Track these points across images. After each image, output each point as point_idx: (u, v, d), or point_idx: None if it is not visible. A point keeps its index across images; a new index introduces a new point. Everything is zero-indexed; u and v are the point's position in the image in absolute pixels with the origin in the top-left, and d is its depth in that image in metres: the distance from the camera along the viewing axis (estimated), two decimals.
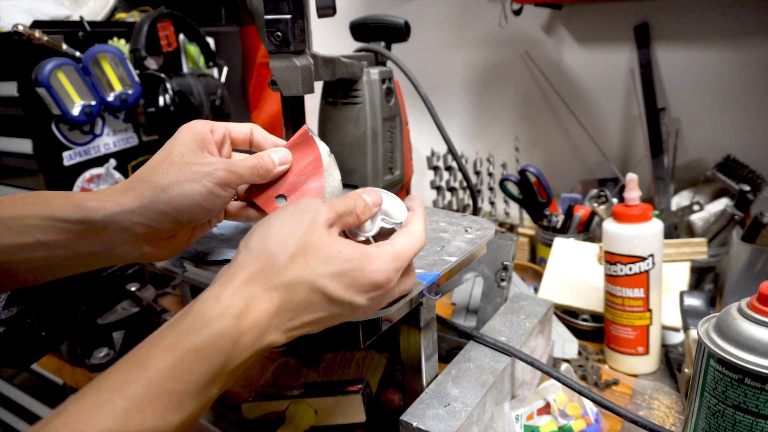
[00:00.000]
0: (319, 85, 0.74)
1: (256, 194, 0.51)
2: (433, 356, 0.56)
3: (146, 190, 0.42)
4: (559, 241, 0.91)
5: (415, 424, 0.48)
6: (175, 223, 0.44)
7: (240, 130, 0.52)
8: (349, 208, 0.42)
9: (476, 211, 0.89)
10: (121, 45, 1.00)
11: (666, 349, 0.76)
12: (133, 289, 0.87)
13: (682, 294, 0.73)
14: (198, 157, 0.44)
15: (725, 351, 0.40)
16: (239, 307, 0.35)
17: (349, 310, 0.40)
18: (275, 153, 0.50)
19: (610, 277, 0.71)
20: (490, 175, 1.20)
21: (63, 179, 0.92)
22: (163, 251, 0.47)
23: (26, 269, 0.42)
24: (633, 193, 0.68)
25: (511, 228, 1.15)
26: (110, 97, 0.94)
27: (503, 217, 1.18)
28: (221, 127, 0.50)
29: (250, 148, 0.54)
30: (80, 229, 0.41)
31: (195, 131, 0.47)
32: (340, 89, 0.78)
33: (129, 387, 0.31)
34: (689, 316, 0.69)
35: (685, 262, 0.82)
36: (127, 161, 1.01)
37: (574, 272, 0.85)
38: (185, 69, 1.11)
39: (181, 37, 1.09)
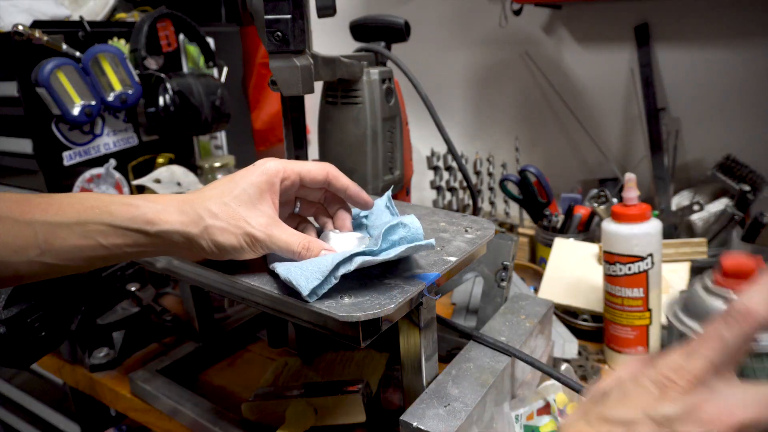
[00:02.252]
0: (319, 85, 0.74)
1: None
2: (433, 356, 0.56)
3: (194, 219, 0.46)
4: (559, 241, 0.91)
5: (415, 424, 0.48)
6: (206, 255, 0.48)
7: (315, 175, 0.52)
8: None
9: (476, 211, 0.89)
10: (121, 45, 1.00)
11: (666, 349, 0.76)
12: (133, 289, 0.87)
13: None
14: (251, 208, 0.47)
15: (690, 328, 0.39)
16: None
17: None
18: (331, 239, 0.53)
19: (609, 277, 0.71)
20: (490, 175, 1.20)
21: (63, 179, 0.92)
22: (201, 259, 0.51)
23: (87, 265, 0.47)
24: (631, 193, 0.69)
25: (511, 228, 1.15)
26: (110, 97, 0.94)
27: (503, 217, 1.18)
28: (294, 172, 0.51)
29: (328, 190, 0.55)
30: (136, 236, 0.46)
31: (264, 176, 0.49)
32: (340, 89, 0.78)
33: None
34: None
35: (685, 262, 0.82)
36: (127, 161, 1.01)
37: (574, 272, 0.85)
38: (185, 69, 1.11)
39: (181, 37, 1.09)
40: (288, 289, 0.47)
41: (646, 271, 0.68)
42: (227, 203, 0.47)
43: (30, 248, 0.44)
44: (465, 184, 1.17)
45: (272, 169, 0.49)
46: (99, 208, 0.45)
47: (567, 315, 0.83)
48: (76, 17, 0.97)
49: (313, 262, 0.47)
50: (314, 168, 0.53)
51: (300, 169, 0.51)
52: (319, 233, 0.57)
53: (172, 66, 1.07)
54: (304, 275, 0.45)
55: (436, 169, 1.16)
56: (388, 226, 0.48)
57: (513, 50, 1.21)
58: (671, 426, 0.27)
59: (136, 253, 0.47)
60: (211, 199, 0.47)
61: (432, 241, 0.48)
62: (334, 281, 0.46)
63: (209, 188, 0.49)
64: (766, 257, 0.77)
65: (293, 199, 0.55)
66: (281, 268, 0.47)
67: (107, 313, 0.85)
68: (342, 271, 0.46)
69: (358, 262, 0.46)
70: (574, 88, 1.16)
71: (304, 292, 0.44)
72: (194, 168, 1.10)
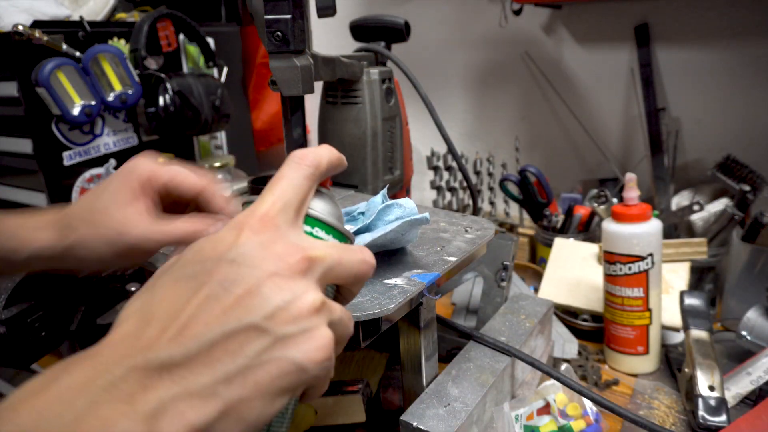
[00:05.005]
0: (319, 85, 0.74)
1: None
2: (433, 356, 0.56)
3: (62, 234, 0.42)
4: (559, 241, 0.91)
5: (415, 424, 0.48)
6: (82, 269, 0.45)
7: (190, 184, 0.44)
8: None
9: (476, 211, 0.89)
10: (121, 45, 1.00)
11: (666, 349, 0.76)
12: (133, 289, 0.87)
13: (682, 294, 0.73)
14: (121, 209, 0.42)
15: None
16: None
17: None
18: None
19: (609, 277, 0.71)
20: (490, 175, 1.20)
21: (63, 179, 0.92)
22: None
23: None
24: (632, 193, 0.69)
25: (511, 228, 1.15)
26: (110, 97, 0.94)
27: (503, 217, 1.18)
28: (165, 174, 0.44)
29: (198, 201, 0.47)
30: (5, 265, 0.43)
31: (132, 176, 0.43)
32: (340, 89, 0.78)
33: None
34: (689, 316, 0.69)
35: (685, 262, 0.82)
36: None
37: (574, 272, 0.85)
38: (185, 69, 1.11)
39: (181, 37, 1.09)
40: None
41: (646, 271, 0.68)
42: (95, 209, 0.42)
43: None
44: (465, 184, 1.17)
45: (139, 166, 0.44)
46: None
47: (567, 315, 0.83)
48: (76, 17, 0.97)
49: None
50: (192, 176, 0.44)
51: (174, 172, 0.44)
52: None
53: (172, 66, 1.07)
54: None
55: (436, 169, 1.16)
56: (383, 206, 0.49)
57: (513, 50, 1.21)
58: (245, 261, 0.26)
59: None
60: (80, 208, 0.43)
61: (426, 215, 0.49)
62: None
63: (81, 199, 0.45)
64: (766, 257, 0.77)
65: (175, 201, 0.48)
66: None
67: (107, 313, 0.85)
68: None
69: (357, 243, 0.46)
70: (574, 88, 1.16)
71: None
72: None
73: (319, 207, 0.34)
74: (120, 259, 0.42)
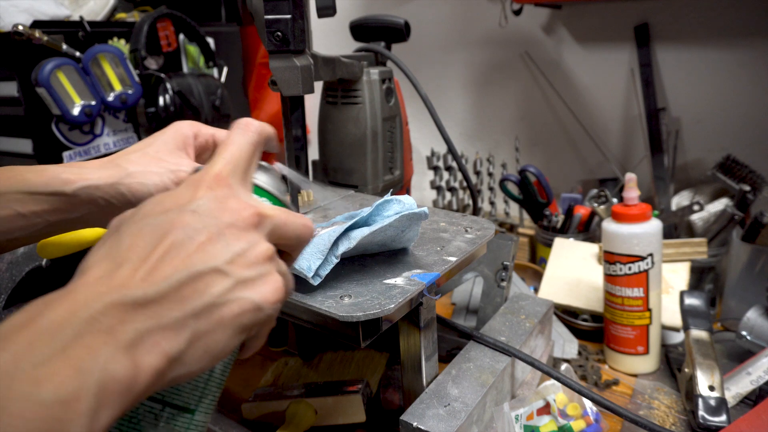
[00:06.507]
0: (319, 85, 0.75)
1: None
2: (433, 356, 0.56)
3: (114, 171, 0.47)
4: (559, 241, 0.91)
5: (415, 424, 0.48)
6: (130, 207, 0.47)
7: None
8: None
9: (476, 211, 0.89)
10: (121, 45, 1.00)
11: (666, 349, 0.76)
12: None
13: (682, 294, 0.73)
14: (171, 155, 0.49)
15: None
16: None
17: None
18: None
19: (609, 277, 0.71)
20: (490, 175, 1.20)
21: None
22: None
23: (6, 238, 0.46)
24: (632, 193, 0.69)
25: (511, 228, 1.15)
26: (110, 97, 0.94)
27: (503, 217, 1.18)
28: (206, 133, 0.53)
29: None
30: (54, 200, 0.46)
31: (179, 132, 0.51)
32: (340, 89, 0.78)
33: None
34: (689, 316, 0.69)
35: (685, 262, 0.82)
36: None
37: (574, 272, 0.85)
38: (185, 69, 1.11)
39: (181, 37, 1.09)
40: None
41: (646, 271, 0.68)
42: (147, 153, 0.48)
43: None
44: (465, 184, 1.17)
45: (184, 125, 0.52)
46: (14, 178, 0.45)
47: (567, 315, 0.83)
48: (76, 17, 0.97)
49: (311, 243, 0.47)
50: (226, 133, 0.55)
51: (213, 131, 0.54)
52: None
53: (172, 66, 1.07)
54: (305, 258, 0.46)
55: (436, 169, 1.16)
56: (382, 201, 0.50)
57: (513, 50, 1.21)
58: (205, 212, 0.29)
59: (57, 222, 0.47)
60: (131, 152, 0.49)
61: (425, 209, 0.49)
62: (335, 260, 0.46)
63: (128, 149, 0.50)
64: (766, 257, 0.77)
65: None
66: None
67: None
68: (342, 248, 0.46)
69: (357, 237, 0.46)
70: (574, 88, 1.16)
71: (309, 273, 0.45)
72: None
73: (264, 179, 0.37)
74: None
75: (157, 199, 0.30)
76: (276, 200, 0.37)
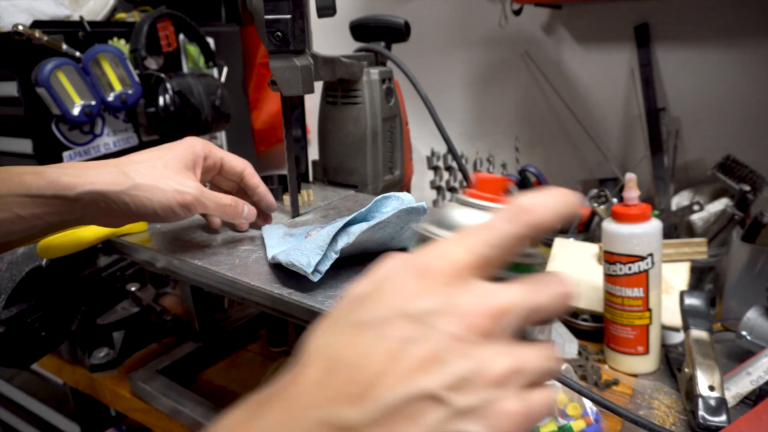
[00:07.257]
0: (319, 85, 0.74)
1: None
2: None
3: (121, 179, 0.47)
4: (559, 241, 0.91)
5: None
6: (130, 217, 0.49)
7: (234, 165, 0.58)
8: None
9: None
10: (121, 45, 1.00)
11: (666, 349, 0.76)
12: (133, 289, 0.87)
13: (682, 294, 0.73)
14: (179, 173, 0.50)
15: (437, 235, 0.32)
16: None
17: None
18: (250, 207, 0.57)
19: (609, 277, 0.71)
20: None
21: None
22: (125, 225, 0.53)
23: (6, 240, 0.46)
24: (632, 193, 0.69)
25: None
26: (110, 97, 0.94)
27: None
28: (216, 156, 0.54)
29: (239, 184, 0.60)
30: (55, 203, 0.46)
31: (190, 150, 0.52)
32: (340, 89, 0.78)
33: None
34: (689, 316, 0.69)
35: (685, 262, 0.82)
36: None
37: (574, 272, 0.85)
38: (185, 69, 1.11)
39: (181, 37, 1.09)
40: (289, 282, 0.47)
41: (646, 271, 0.68)
42: (156, 167, 0.49)
43: None
44: (465, 184, 1.17)
45: (197, 143, 0.53)
46: (11, 180, 0.45)
47: (567, 315, 0.83)
48: (76, 17, 0.97)
49: (310, 240, 0.47)
50: (235, 159, 0.58)
51: (223, 155, 0.55)
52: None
53: (172, 66, 1.07)
54: (304, 254, 0.46)
55: (436, 169, 1.16)
56: (380, 197, 0.50)
57: (513, 50, 1.21)
58: (427, 320, 0.24)
59: (57, 223, 0.47)
60: (139, 163, 0.49)
61: (423, 204, 0.49)
62: (334, 256, 0.46)
63: (135, 155, 0.51)
64: (766, 257, 0.77)
65: (207, 183, 0.59)
66: (281, 255, 0.48)
67: (107, 313, 0.85)
68: (341, 244, 0.46)
69: (355, 232, 0.46)
70: (574, 88, 1.16)
71: (308, 269, 0.45)
72: None
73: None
74: (171, 213, 0.49)
75: (376, 284, 0.27)
76: (520, 266, 0.28)
